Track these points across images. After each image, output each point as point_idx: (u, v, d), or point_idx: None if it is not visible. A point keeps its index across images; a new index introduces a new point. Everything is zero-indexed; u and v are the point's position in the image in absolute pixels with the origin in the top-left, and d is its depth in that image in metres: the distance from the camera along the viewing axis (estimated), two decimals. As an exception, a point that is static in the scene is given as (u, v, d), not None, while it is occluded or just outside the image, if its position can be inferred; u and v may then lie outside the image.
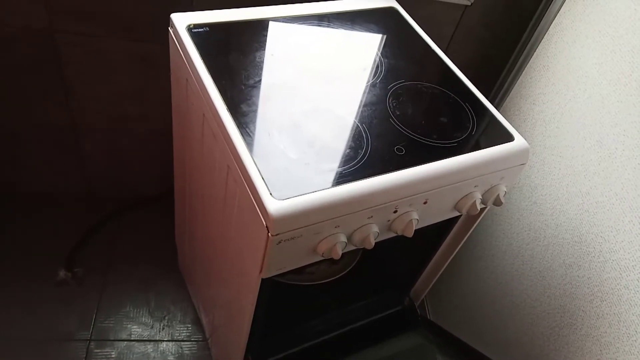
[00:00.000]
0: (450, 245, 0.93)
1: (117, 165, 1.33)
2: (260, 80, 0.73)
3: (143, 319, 1.25)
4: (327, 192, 0.61)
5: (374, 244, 0.67)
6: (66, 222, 1.36)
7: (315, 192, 0.60)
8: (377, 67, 0.82)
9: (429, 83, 0.82)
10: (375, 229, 0.67)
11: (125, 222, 1.41)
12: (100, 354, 1.17)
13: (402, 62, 0.84)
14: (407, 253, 1.02)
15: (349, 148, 0.67)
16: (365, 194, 0.62)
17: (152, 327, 1.24)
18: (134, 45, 1.04)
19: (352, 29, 0.87)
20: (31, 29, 0.99)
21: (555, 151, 0.91)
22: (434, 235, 0.93)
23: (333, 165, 0.64)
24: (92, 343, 1.18)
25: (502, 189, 0.77)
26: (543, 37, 0.98)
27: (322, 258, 0.66)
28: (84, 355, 1.16)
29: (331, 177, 0.63)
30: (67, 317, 1.21)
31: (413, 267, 1.02)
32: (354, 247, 0.68)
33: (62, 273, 1.26)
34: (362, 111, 0.73)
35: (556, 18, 0.95)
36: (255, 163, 0.61)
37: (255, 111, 0.69)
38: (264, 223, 0.59)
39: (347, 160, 0.65)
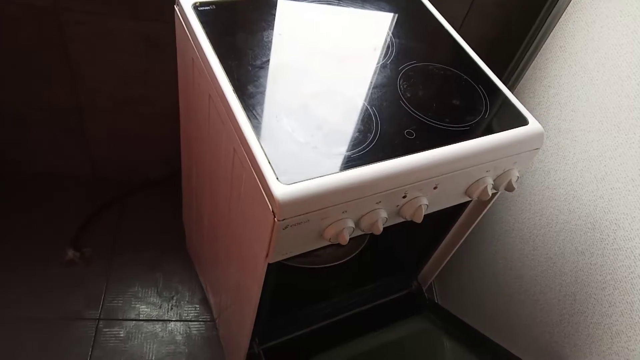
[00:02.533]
0: (459, 230, 0.92)
1: (123, 147, 1.32)
2: (267, 60, 0.72)
3: (151, 299, 1.26)
4: (335, 177, 0.59)
5: (382, 229, 0.66)
6: (73, 203, 1.36)
7: (322, 177, 0.59)
8: (388, 47, 0.79)
9: (441, 64, 0.79)
10: (383, 214, 0.65)
11: (133, 202, 1.41)
12: (108, 333, 1.18)
13: (414, 42, 0.81)
14: (416, 237, 1.01)
15: (358, 131, 0.65)
16: (374, 178, 0.61)
17: (160, 307, 1.25)
18: (139, 24, 1.03)
19: (363, 7, 0.85)
20: (35, 8, 0.97)
21: (570, 135, 0.89)
22: (443, 220, 0.91)
23: (341, 149, 0.63)
24: (100, 322, 1.19)
25: (515, 174, 0.75)
26: (560, 17, 0.94)
27: (329, 243, 0.65)
28: (93, 335, 1.17)
29: (339, 161, 0.61)
30: (75, 296, 1.22)
31: (421, 251, 1.01)
32: (362, 233, 0.67)
33: (70, 253, 1.26)
34: (371, 93, 0.71)
35: (574, -3, 0.92)
36: (261, 146, 0.60)
37: (263, 93, 0.67)
38: (271, 208, 0.58)
39: (355, 144, 0.64)
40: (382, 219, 0.65)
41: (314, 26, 0.79)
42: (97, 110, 1.20)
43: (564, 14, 0.94)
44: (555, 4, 0.97)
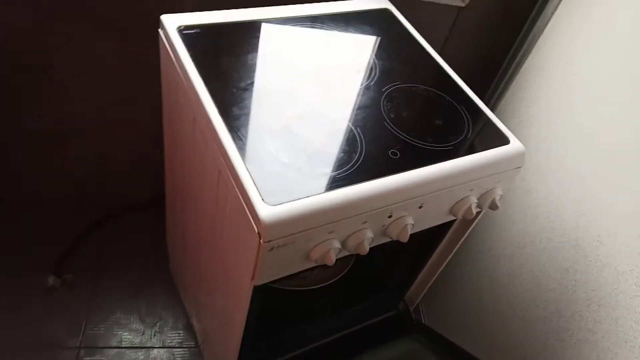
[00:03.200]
0: (445, 249, 0.92)
1: (107, 170, 1.31)
2: (252, 83, 0.72)
3: (134, 326, 1.23)
4: (321, 197, 0.59)
5: (368, 249, 0.66)
6: (55, 228, 1.34)
7: (308, 197, 0.59)
8: (371, 69, 0.80)
9: (424, 85, 0.80)
10: (369, 234, 0.65)
11: (116, 227, 1.39)
12: (90, 361, 1.15)
13: (396, 64, 0.82)
14: (402, 257, 1.01)
15: (343, 152, 0.66)
16: (360, 198, 0.61)
17: (143, 334, 1.22)
18: (124, 47, 1.03)
19: (346, 30, 0.86)
20: (19, 32, 0.97)
21: (550, 154, 0.90)
22: (428, 239, 0.91)
23: (326, 170, 0.63)
24: (81, 351, 1.16)
25: (498, 192, 0.76)
26: (539, 39, 0.97)
27: (316, 264, 0.65)
28: (74, 363, 1.14)
29: (324, 181, 0.61)
30: (56, 324, 1.19)
31: (407, 271, 1.01)
32: (348, 253, 0.67)
33: (51, 279, 1.24)
34: (356, 114, 0.72)
35: (552, 19, 0.94)
36: (246, 168, 0.60)
37: (247, 115, 0.67)
38: (256, 229, 0.57)
39: (340, 164, 0.64)
40: (368, 239, 0.65)
41: (298, 49, 0.80)
42: (82, 134, 1.19)
43: (542, 36, 0.97)
44: (534, 26, 0.99)
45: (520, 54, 1.03)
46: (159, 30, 0.79)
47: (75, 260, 1.30)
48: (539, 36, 0.97)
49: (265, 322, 0.81)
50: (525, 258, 0.95)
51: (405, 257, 0.99)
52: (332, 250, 0.63)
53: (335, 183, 0.61)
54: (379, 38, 0.87)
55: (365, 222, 0.64)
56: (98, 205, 1.38)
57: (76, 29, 0.98)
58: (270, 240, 0.57)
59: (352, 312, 1.05)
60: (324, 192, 0.60)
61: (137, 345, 1.20)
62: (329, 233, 0.62)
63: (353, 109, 0.73)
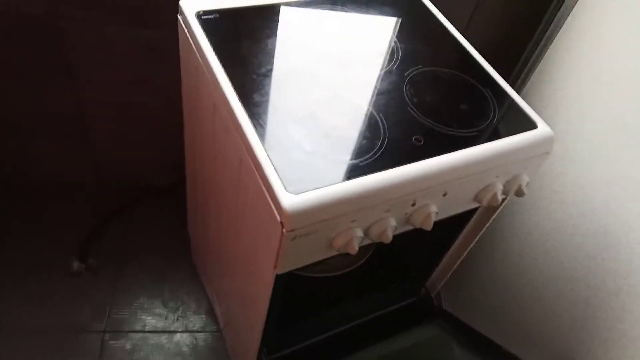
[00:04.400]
0: (468, 236, 0.91)
1: (128, 154, 1.31)
2: (272, 68, 0.71)
3: (157, 310, 1.25)
4: (343, 186, 0.58)
5: (391, 238, 0.65)
6: (77, 212, 1.35)
7: (331, 186, 0.58)
8: (393, 52, 0.78)
9: (448, 68, 0.78)
10: (392, 222, 0.64)
11: (138, 211, 1.40)
12: (114, 345, 1.17)
13: (419, 47, 0.80)
14: (424, 244, 0.99)
15: (366, 138, 0.64)
16: (383, 187, 0.60)
17: (166, 318, 1.24)
18: (140, 31, 1.02)
19: (367, 12, 0.84)
20: (33, 15, 0.96)
21: (578, 137, 0.88)
22: (451, 226, 0.90)
23: (349, 157, 0.62)
24: (106, 335, 1.18)
25: (525, 178, 0.74)
26: (567, 18, 0.93)
27: (338, 253, 0.64)
28: (99, 347, 1.16)
29: (347, 169, 0.60)
30: (81, 309, 1.21)
31: (430, 258, 1.00)
32: (371, 241, 0.66)
33: (75, 264, 1.26)
34: (378, 99, 0.70)
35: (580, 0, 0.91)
36: (268, 156, 0.59)
37: (268, 101, 0.66)
38: (278, 218, 0.57)
39: (363, 151, 0.63)
40: (391, 227, 0.64)
41: (319, 32, 0.78)
42: (100, 117, 1.20)
43: (570, 15, 0.93)
44: (562, 5, 0.96)
45: (547, 34, 0.99)
46: (178, 15, 0.78)
47: (99, 244, 1.32)
48: (566, 16, 0.94)
49: (287, 309, 0.81)
50: (551, 244, 0.93)
51: (428, 244, 0.98)
52: (354, 238, 0.62)
53: (358, 171, 0.60)
54: (401, 19, 0.84)
55: (389, 210, 0.63)
56: (120, 189, 1.39)
57: (91, 12, 0.97)
58: (293, 230, 0.56)
59: (374, 299, 1.04)
60: (346, 181, 0.59)
61: (161, 330, 1.21)
62: (352, 222, 0.61)
63: (375, 94, 0.71)
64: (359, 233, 0.62)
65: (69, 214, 1.35)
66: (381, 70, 0.75)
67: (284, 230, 0.56)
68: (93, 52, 1.05)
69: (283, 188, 0.56)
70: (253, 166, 0.61)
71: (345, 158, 0.62)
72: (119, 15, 0.98)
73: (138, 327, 1.21)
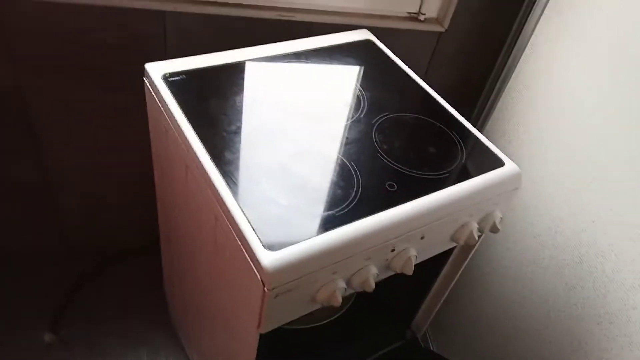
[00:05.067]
0: (448, 274, 0.91)
1: (97, 218, 1.28)
2: (242, 125, 0.72)
3: (136, 378, 1.19)
4: (322, 238, 0.58)
5: (374, 286, 0.64)
6: (48, 281, 1.30)
7: (309, 239, 0.58)
8: (359, 101, 0.80)
9: (413, 113, 0.80)
10: (374, 270, 0.64)
11: (111, 275, 1.36)
12: (92, 420, 1.11)
13: (383, 94, 0.83)
14: (405, 286, 0.99)
15: (340, 188, 0.65)
16: (362, 235, 0.60)
17: (146, 386, 1.18)
18: (107, 95, 1.02)
19: (331, 63, 0.86)
20: (-1, 89, 0.96)
21: (544, 170, 0.90)
22: (431, 266, 0.90)
23: (325, 208, 0.62)
24: (83, 410, 1.12)
25: (498, 215, 0.75)
26: (520, 58, 0.98)
27: (322, 306, 0.63)
28: None
29: (324, 221, 0.60)
30: (55, 383, 1.15)
31: (412, 299, 1.00)
32: (354, 291, 0.66)
33: (47, 337, 1.20)
34: (348, 148, 0.71)
35: (531, 39, 0.95)
36: (244, 213, 0.59)
37: (240, 158, 0.66)
38: (259, 277, 0.56)
39: (338, 201, 0.63)
40: (373, 275, 0.64)
41: (285, 86, 0.80)
42: (68, 184, 1.17)
43: (523, 55, 0.98)
44: (514, 46, 1.00)
45: (504, 73, 1.04)
46: (144, 78, 0.78)
47: (72, 313, 1.26)
48: (520, 56, 0.98)
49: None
50: (529, 277, 0.94)
51: (409, 285, 0.98)
52: (337, 290, 0.61)
53: (335, 221, 0.60)
54: (364, 69, 0.87)
55: (369, 258, 0.63)
56: (90, 254, 1.35)
57: (56, 79, 0.97)
58: (274, 288, 0.56)
59: (360, 345, 1.02)
60: (325, 232, 0.59)
61: (141, 399, 1.16)
62: (333, 273, 0.61)
63: (346, 143, 0.72)
64: (342, 284, 0.62)
65: (38, 283, 1.30)
66: (349, 119, 0.76)
67: (265, 288, 0.56)
68: (59, 119, 1.04)
69: (261, 245, 0.56)
70: (229, 224, 0.60)
71: (320, 209, 0.62)
72: (84, 80, 0.98)
73: (116, 398, 1.15)
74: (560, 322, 0.86)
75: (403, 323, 1.05)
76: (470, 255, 0.85)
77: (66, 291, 1.29)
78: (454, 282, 0.91)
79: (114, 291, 1.33)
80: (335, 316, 1.00)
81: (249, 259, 0.57)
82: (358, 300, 1.01)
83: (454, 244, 0.76)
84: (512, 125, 1.00)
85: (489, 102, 1.08)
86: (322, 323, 0.98)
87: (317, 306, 0.64)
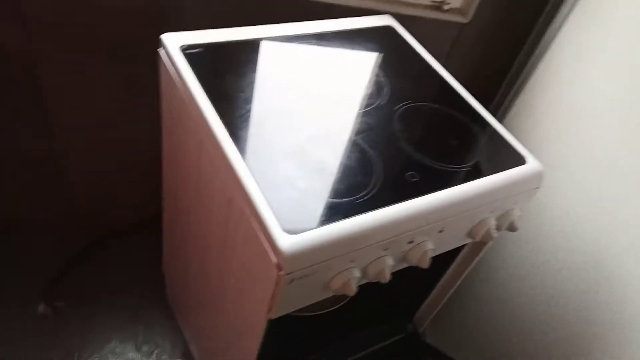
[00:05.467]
0: (456, 271, 0.90)
1: (101, 192, 1.26)
2: (260, 104, 0.69)
3: (130, 355, 1.18)
4: (342, 225, 0.56)
5: (389, 277, 0.63)
6: (47, 251, 1.28)
7: (329, 225, 0.56)
8: (381, 88, 0.78)
9: (435, 103, 0.78)
10: (390, 261, 0.62)
11: (109, 251, 1.34)
12: (84, 395, 1.10)
13: (405, 82, 0.80)
14: (412, 279, 0.97)
15: (359, 175, 0.63)
16: (383, 225, 0.58)
17: (140, 363, 1.17)
18: (116, 67, 0.99)
19: (352, 47, 0.84)
20: (7, 49, 0.92)
21: (563, 170, 0.88)
22: (440, 261, 0.88)
23: (344, 195, 0.60)
24: (75, 383, 1.11)
25: (517, 213, 0.73)
26: (545, 53, 0.95)
27: (335, 294, 0.62)
28: (67, 398, 1.08)
29: (344, 208, 0.58)
30: (49, 354, 1.13)
31: (418, 293, 0.98)
32: (368, 281, 0.64)
33: (41, 307, 1.18)
34: (368, 135, 0.69)
35: (557, 36, 0.93)
36: (263, 195, 0.56)
37: (259, 137, 0.64)
38: (274, 260, 0.54)
39: (358, 188, 0.61)
40: (389, 266, 0.62)
41: (306, 68, 0.77)
42: (73, 155, 1.15)
43: (548, 52, 0.95)
44: (539, 42, 0.98)
45: (526, 69, 1.01)
46: (159, 50, 0.75)
47: (68, 285, 1.25)
48: (545, 50, 0.96)
49: (273, 350, 0.77)
50: (540, 278, 0.92)
51: (416, 279, 0.96)
52: (352, 279, 0.59)
53: (355, 209, 0.58)
54: (386, 55, 0.84)
55: (387, 248, 0.61)
56: (90, 228, 1.33)
57: (67, 47, 0.94)
58: (290, 272, 0.54)
59: (361, 337, 1.01)
60: (344, 219, 0.57)
61: (134, 377, 1.14)
62: (350, 262, 0.59)
63: (366, 130, 0.70)
64: (357, 274, 0.60)
65: (37, 253, 1.28)
66: (369, 106, 0.74)
67: (280, 273, 0.54)
68: (68, 86, 1.01)
69: (280, 228, 0.54)
70: (245, 205, 0.58)
71: (340, 195, 0.60)
72: (95, 49, 0.95)
73: (110, 374, 1.14)
74: (569, 326, 0.84)
75: (405, 316, 1.04)
76: (482, 253, 0.84)
77: (63, 264, 1.27)
78: (461, 278, 0.89)
79: (112, 266, 1.31)
80: (337, 306, 0.98)
81: (264, 242, 0.55)
82: (361, 291, 1.00)
83: (470, 240, 0.74)
84: (530, 123, 0.98)
85: (508, 98, 1.06)
86: (324, 312, 0.97)
87: (330, 294, 0.62)
